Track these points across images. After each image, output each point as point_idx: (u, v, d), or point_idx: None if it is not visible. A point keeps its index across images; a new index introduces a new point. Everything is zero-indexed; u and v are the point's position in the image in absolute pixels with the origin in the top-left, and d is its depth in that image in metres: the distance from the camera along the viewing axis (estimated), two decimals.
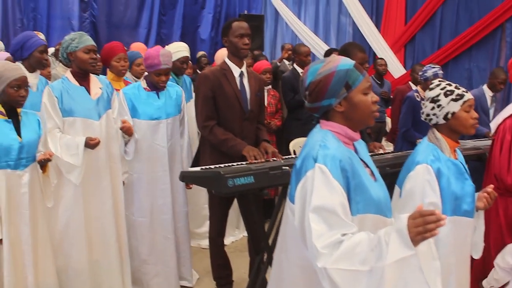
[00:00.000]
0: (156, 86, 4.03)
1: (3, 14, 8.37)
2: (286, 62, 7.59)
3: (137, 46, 6.05)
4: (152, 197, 4.02)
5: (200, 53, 8.63)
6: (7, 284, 3.19)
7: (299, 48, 6.25)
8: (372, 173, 2.10)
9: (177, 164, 4.11)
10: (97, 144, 3.53)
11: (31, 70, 4.02)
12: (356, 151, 2.10)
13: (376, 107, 2.04)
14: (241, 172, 2.98)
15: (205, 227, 4.66)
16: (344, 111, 2.02)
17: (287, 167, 3.11)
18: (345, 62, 2.02)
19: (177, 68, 4.92)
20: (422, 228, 1.67)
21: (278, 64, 7.61)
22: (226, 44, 3.74)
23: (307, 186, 1.89)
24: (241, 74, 3.74)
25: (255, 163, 3.33)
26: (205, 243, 4.57)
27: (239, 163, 3.34)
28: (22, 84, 3.19)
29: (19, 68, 3.31)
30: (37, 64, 4.07)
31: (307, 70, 2.06)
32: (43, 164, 3.32)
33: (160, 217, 4.04)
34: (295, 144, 5.29)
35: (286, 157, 3.65)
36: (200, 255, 4.94)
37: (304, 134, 5.13)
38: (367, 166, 2.10)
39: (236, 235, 5.52)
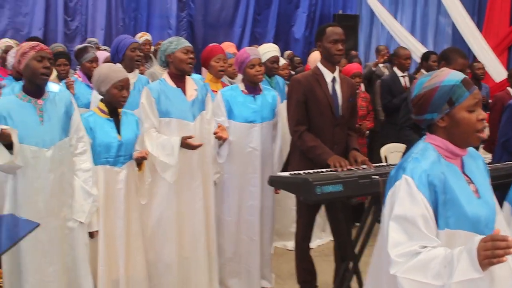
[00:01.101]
0: (254, 88, 4.08)
1: (107, 14, 8.80)
2: (381, 65, 7.44)
3: (227, 45, 6.14)
4: (241, 198, 4.08)
5: (287, 52, 8.59)
6: (101, 273, 3.39)
7: (398, 51, 6.12)
8: (477, 190, 2.05)
9: (268, 167, 4.13)
10: (194, 146, 3.60)
11: (129, 70, 4.17)
12: (463, 165, 2.07)
13: (482, 124, 1.98)
14: (330, 179, 2.96)
15: (292, 229, 4.68)
16: (446, 127, 2.00)
17: (376, 176, 3.06)
18: (452, 78, 1.99)
19: (268, 69, 4.95)
20: (490, 252, 1.65)
21: (373, 69, 7.47)
22: (319, 48, 3.73)
23: (394, 195, 1.95)
24: (333, 80, 3.70)
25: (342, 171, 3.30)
26: (291, 244, 4.59)
27: (328, 169, 3.31)
28: (125, 85, 3.38)
29: (123, 70, 3.51)
30: (131, 62, 4.20)
31: (415, 82, 2.09)
32: (139, 162, 3.49)
33: (246, 218, 4.09)
34: (387, 150, 5.18)
35: (377, 165, 3.58)
36: (285, 257, 4.95)
37: (399, 139, 5.09)
38: (472, 182, 2.05)
39: (322, 238, 5.49)
